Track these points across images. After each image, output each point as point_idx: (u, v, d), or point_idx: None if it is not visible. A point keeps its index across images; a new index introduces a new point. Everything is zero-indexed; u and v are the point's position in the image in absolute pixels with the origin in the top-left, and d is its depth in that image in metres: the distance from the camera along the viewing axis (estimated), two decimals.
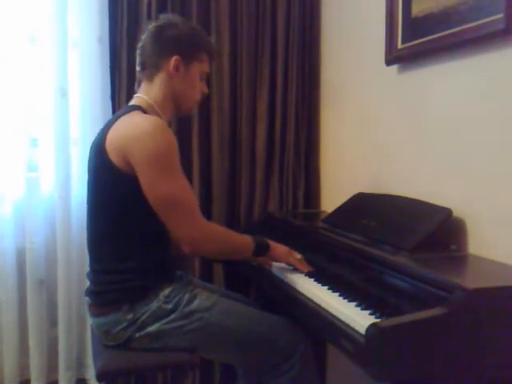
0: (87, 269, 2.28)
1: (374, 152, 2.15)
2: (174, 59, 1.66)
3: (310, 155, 2.57)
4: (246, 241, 1.70)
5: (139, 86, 1.74)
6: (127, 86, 2.34)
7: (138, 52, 1.73)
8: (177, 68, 1.67)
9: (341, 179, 2.42)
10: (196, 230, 1.58)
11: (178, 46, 1.67)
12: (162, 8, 2.34)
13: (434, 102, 1.79)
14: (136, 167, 1.52)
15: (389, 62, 1.97)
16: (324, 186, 2.58)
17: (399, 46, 1.91)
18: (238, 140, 2.50)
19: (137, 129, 1.54)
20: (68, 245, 2.33)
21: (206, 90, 1.80)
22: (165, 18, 1.73)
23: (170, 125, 1.89)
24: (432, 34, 1.74)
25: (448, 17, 1.67)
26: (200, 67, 1.73)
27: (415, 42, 1.83)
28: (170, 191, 1.54)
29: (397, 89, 2.00)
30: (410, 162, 1.92)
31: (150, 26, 1.71)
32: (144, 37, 1.71)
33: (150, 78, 1.70)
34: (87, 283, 1.73)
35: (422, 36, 1.79)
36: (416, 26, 1.83)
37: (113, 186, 1.58)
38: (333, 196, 2.48)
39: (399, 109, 1.98)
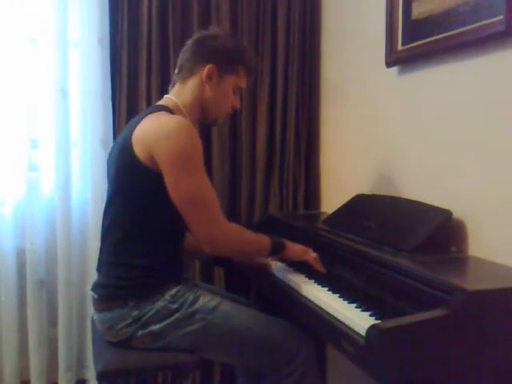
0: (87, 269, 2.27)
1: (374, 153, 2.15)
2: (208, 67, 1.69)
3: (310, 156, 2.58)
4: (263, 241, 1.72)
5: (173, 87, 1.77)
6: (127, 86, 2.35)
7: (180, 56, 1.76)
8: (210, 76, 1.69)
9: (341, 180, 2.42)
10: (216, 229, 1.60)
11: (216, 55, 1.70)
12: (162, 10, 2.34)
13: (434, 104, 1.80)
14: (161, 165, 1.55)
15: (389, 64, 1.98)
16: (324, 188, 2.58)
17: (399, 47, 1.91)
18: (239, 141, 2.50)
19: (163, 128, 1.57)
20: (68, 245, 2.33)
21: (237, 104, 1.81)
22: (213, 29, 1.79)
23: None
24: (432, 35, 1.74)
25: (448, 19, 1.67)
26: (235, 81, 1.74)
27: (415, 44, 1.83)
28: (193, 190, 1.57)
29: (397, 90, 2.00)
30: (410, 163, 1.92)
31: (196, 34, 1.76)
32: (188, 42, 1.75)
33: (184, 81, 1.73)
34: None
35: (422, 38, 1.79)
36: (416, 28, 1.83)
37: (137, 183, 1.61)
38: (333, 197, 2.48)
39: (399, 110, 1.99)
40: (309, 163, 2.57)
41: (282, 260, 1.87)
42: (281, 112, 2.51)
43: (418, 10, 1.83)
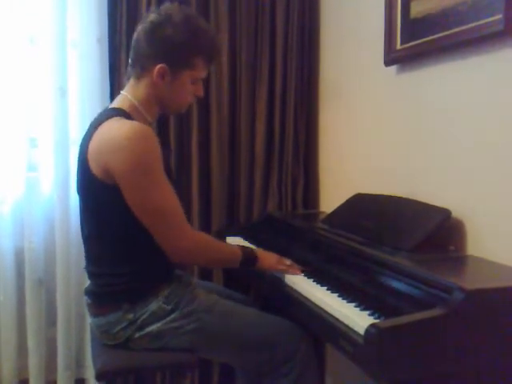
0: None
1: (372, 152, 2.15)
2: (157, 68, 1.57)
3: (308, 155, 2.58)
4: (234, 251, 1.67)
5: (128, 80, 1.67)
6: None
7: (132, 44, 1.64)
8: (162, 76, 1.59)
9: (340, 180, 2.42)
10: (184, 240, 1.55)
11: (167, 52, 1.57)
12: None
13: (433, 103, 1.80)
14: (117, 179, 1.48)
15: (388, 63, 1.98)
16: (323, 187, 2.58)
17: (398, 46, 1.91)
18: (237, 140, 2.50)
19: (114, 139, 1.48)
20: (67, 244, 2.33)
21: (200, 93, 1.70)
22: (166, 9, 1.60)
23: (154, 124, 1.84)
24: (431, 34, 1.74)
25: (447, 18, 1.67)
26: (192, 74, 1.63)
27: (414, 43, 1.83)
28: (156, 202, 1.50)
29: (395, 89, 2.00)
30: (408, 162, 1.92)
31: (148, 18, 1.60)
32: (139, 29, 1.61)
33: (137, 78, 1.63)
34: (86, 283, 1.72)
35: (421, 37, 1.79)
36: (415, 27, 1.83)
37: (98, 196, 1.55)
38: (332, 196, 2.48)
39: (398, 109, 1.99)
40: (307, 162, 2.57)
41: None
42: (279, 111, 2.50)
43: (416, 9, 1.83)
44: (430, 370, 1.18)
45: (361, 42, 2.22)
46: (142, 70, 1.61)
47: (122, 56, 2.34)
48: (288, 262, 1.74)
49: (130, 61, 1.66)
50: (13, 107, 2.26)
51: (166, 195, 1.53)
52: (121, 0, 2.33)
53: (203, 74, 1.67)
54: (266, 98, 2.49)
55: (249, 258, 1.68)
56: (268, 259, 1.72)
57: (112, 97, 2.36)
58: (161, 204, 1.52)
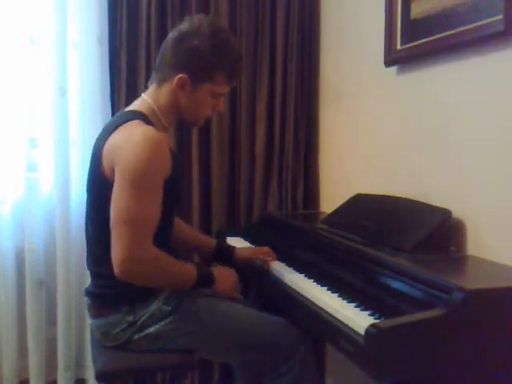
0: (86, 269, 2.27)
1: (372, 153, 2.15)
2: (178, 77, 1.58)
3: (309, 156, 2.58)
4: (187, 272, 1.60)
5: (151, 84, 1.68)
6: (126, 86, 2.35)
7: (160, 50, 1.66)
8: (182, 86, 1.60)
9: (340, 180, 2.42)
10: (131, 253, 1.45)
11: (190, 62, 1.58)
12: (161, 9, 2.34)
13: (433, 104, 1.80)
14: (115, 175, 1.49)
15: (388, 64, 1.98)
16: (323, 187, 2.58)
17: (398, 47, 1.92)
18: (238, 141, 2.50)
19: (126, 142, 1.49)
20: (67, 245, 2.33)
21: (219, 108, 1.71)
22: (197, 20, 1.62)
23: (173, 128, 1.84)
24: (431, 35, 1.75)
25: (447, 18, 1.68)
26: (212, 88, 1.63)
27: (414, 44, 1.84)
28: (126, 207, 1.45)
29: (396, 90, 2.00)
30: (408, 162, 1.92)
31: (179, 26, 1.62)
32: (169, 36, 1.63)
33: (159, 84, 1.65)
34: (86, 283, 1.72)
35: (421, 37, 1.80)
36: (415, 28, 1.84)
37: (106, 195, 1.53)
38: (332, 197, 2.48)
39: (398, 110, 1.99)
40: (308, 162, 2.57)
41: None
42: (280, 111, 2.50)
43: (416, 10, 1.83)
44: (430, 370, 1.18)
45: (361, 43, 2.22)
46: (165, 77, 1.62)
47: (122, 56, 2.35)
48: (236, 293, 1.75)
49: (156, 65, 1.67)
50: (13, 107, 2.26)
51: (141, 206, 1.47)
52: (121, 0, 2.33)
53: (224, 90, 1.67)
54: (266, 99, 2.49)
55: (204, 279, 1.63)
56: (223, 285, 1.69)
57: (112, 97, 2.37)
58: (129, 211, 1.45)
